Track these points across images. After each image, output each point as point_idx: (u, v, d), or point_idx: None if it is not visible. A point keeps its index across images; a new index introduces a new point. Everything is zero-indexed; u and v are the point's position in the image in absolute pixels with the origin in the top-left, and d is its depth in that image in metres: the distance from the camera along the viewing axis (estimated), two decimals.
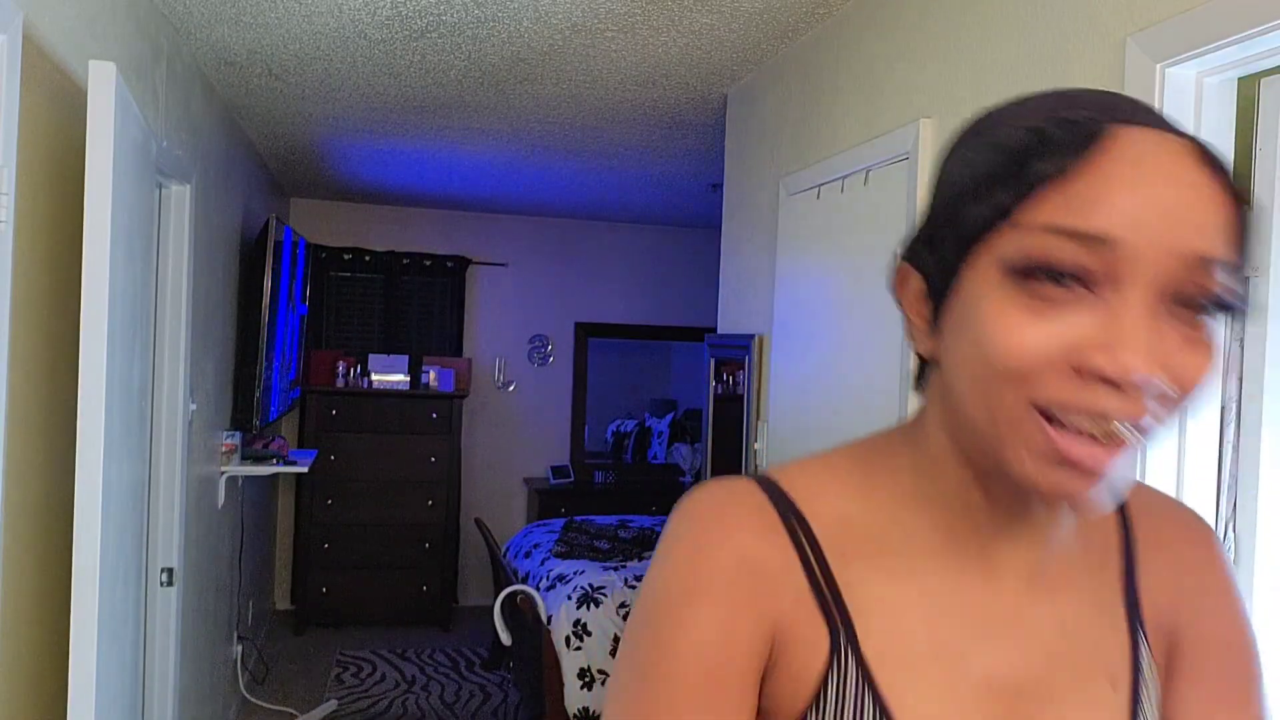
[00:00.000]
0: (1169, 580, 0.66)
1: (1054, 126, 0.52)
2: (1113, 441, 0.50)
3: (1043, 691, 0.61)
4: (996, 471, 0.56)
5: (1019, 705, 0.60)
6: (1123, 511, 0.67)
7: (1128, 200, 0.49)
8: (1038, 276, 0.50)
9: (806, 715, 0.59)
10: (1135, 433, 0.50)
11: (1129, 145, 0.50)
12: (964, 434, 0.58)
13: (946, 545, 0.61)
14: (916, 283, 0.60)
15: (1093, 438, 0.50)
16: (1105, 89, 0.59)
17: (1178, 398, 0.50)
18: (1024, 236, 0.51)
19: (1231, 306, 0.51)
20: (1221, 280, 0.50)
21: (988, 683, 0.60)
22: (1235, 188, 0.52)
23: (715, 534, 0.60)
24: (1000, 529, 0.61)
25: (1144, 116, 0.53)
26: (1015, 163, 0.52)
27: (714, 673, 0.57)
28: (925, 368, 0.63)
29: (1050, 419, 0.51)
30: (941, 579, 0.61)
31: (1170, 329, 0.50)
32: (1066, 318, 0.50)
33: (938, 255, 0.57)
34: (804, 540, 0.60)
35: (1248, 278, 0.53)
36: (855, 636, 0.59)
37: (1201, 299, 0.50)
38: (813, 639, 0.59)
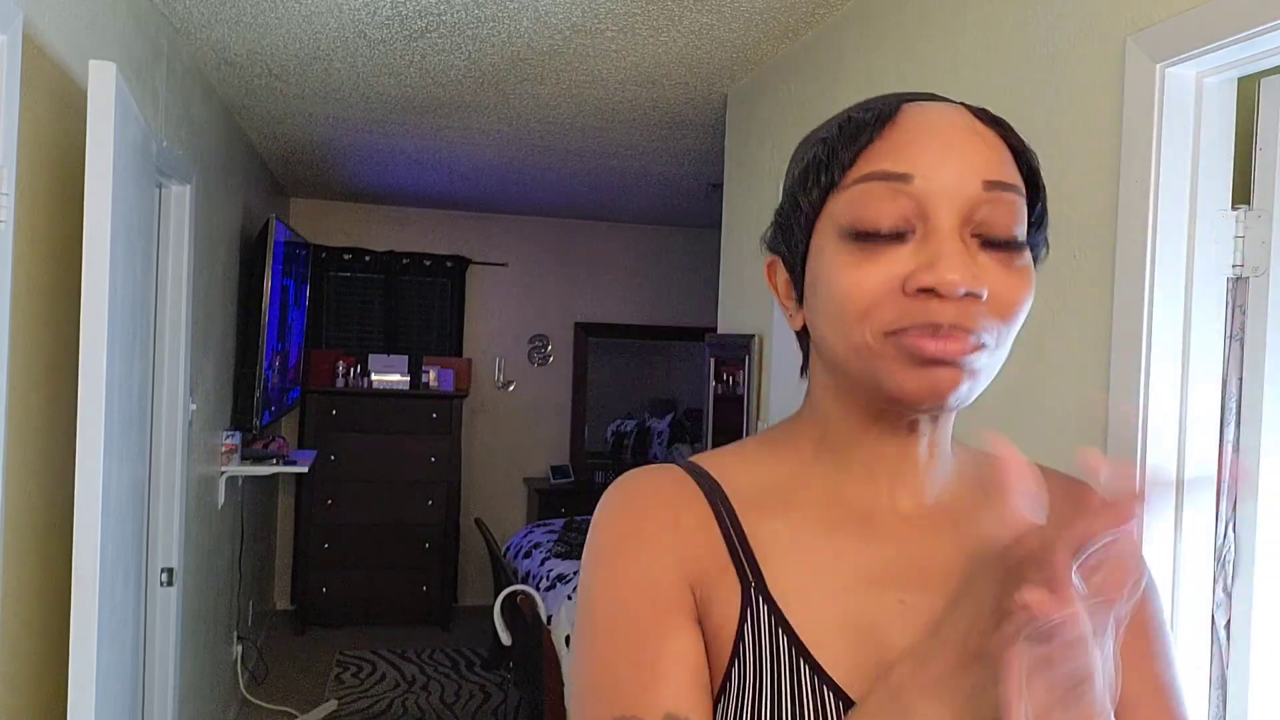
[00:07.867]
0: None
1: (857, 113, 0.66)
2: (952, 335, 0.59)
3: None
4: (878, 400, 0.64)
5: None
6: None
7: (923, 146, 0.62)
8: (865, 235, 0.61)
9: (731, 666, 0.64)
10: (968, 332, 0.59)
11: (918, 112, 0.64)
12: (844, 377, 0.67)
13: (846, 495, 0.69)
14: (782, 270, 0.72)
15: (934, 333, 0.59)
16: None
17: (1000, 313, 0.61)
18: (849, 196, 0.63)
19: (1032, 242, 0.64)
20: (1011, 202, 0.61)
21: (899, 608, 0.65)
22: (1013, 135, 0.64)
23: (638, 500, 0.69)
24: (893, 476, 0.69)
25: (929, 98, 0.67)
26: (831, 147, 0.65)
27: (657, 601, 0.65)
28: (807, 355, 0.74)
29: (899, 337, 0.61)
30: (843, 523, 0.68)
31: (987, 259, 0.61)
32: (893, 257, 0.61)
33: (790, 239, 0.69)
34: (719, 504, 0.69)
35: (1044, 220, 0.67)
36: (764, 582, 0.66)
37: (1004, 232, 0.61)
38: (729, 590, 0.66)
